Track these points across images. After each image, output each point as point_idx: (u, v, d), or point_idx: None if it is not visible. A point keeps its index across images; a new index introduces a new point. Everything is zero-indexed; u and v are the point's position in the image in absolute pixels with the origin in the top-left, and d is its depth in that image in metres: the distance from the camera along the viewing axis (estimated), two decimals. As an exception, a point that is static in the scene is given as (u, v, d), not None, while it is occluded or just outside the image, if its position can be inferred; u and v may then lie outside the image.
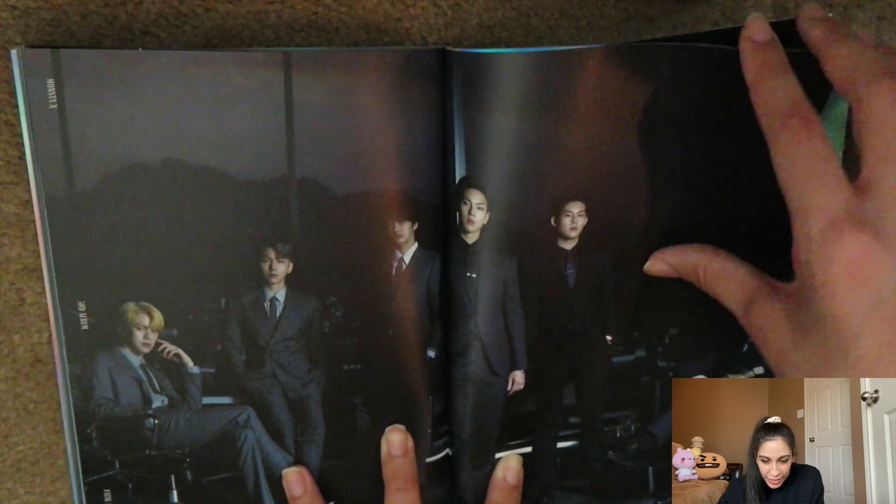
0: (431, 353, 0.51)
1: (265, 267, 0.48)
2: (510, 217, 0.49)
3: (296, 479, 0.51)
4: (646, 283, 0.51)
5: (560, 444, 0.53)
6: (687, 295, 0.50)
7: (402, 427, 0.51)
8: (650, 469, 0.54)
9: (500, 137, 0.47)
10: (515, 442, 0.53)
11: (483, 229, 0.48)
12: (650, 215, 0.50)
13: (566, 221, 0.49)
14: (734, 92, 0.47)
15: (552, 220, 0.49)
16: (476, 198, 0.48)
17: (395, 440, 0.51)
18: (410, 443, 0.51)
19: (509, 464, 0.52)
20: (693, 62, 0.48)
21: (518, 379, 0.51)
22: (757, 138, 0.47)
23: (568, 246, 0.50)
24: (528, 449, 0.53)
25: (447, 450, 0.53)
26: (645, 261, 0.50)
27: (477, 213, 0.48)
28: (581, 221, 0.49)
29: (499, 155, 0.47)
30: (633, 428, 0.54)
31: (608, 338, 0.52)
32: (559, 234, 0.49)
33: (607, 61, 0.47)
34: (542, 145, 0.47)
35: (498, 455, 0.53)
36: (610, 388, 0.53)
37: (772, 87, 0.41)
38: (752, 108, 0.44)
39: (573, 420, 0.53)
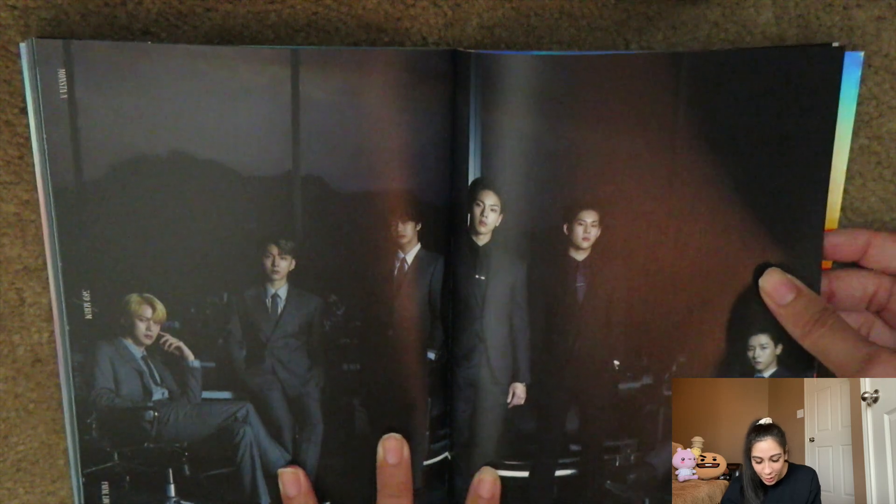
0: (431, 355, 0.50)
1: (268, 263, 0.48)
2: (523, 220, 0.48)
3: (291, 480, 0.51)
4: (658, 306, 0.50)
5: (559, 472, 0.52)
6: (698, 322, 0.50)
7: (398, 436, 0.51)
8: (647, 501, 0.53)
9: (517, 140, 0.47)
10: (513, 462, 0.51)
11: (494, 231, 0.48)
12: (668, 233, 0.49)
13: (579, 230, 0.48)
14: (759, 101, 0.47)
15: (565, 227, 0.48)
16: (490, 199, 0.48)
17: (391, 447, 0.50)
18: (406, 451, 0.51)
19: (483, 475, 0.51)
20: (714, 70, 0.47)
21: (519, 392, 0.50)
22: (782, 152, 0.48)
23: (579, 257, 0.49)
24: (525, 474, 0.52)
25: (445, 453, 0.52)
26: (661, 282, 0.50)
27: (490, 215, 0.48)
28: (594, 232, 0.49)
29: (515, 157, 0.47)
30: (632, 457, 0.52)
31: (616, 362, 0.51)
32: (571, 242, 0.49)
33: (626, 67, 0.47)
34: (559, 150, 0.47)
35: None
36: (613, 416, 0.52)
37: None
38: (779, 120, 0.46)
39: (574, 447, 0.52)
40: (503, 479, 0.51)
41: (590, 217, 0.48)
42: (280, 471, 0.51)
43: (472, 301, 0.49)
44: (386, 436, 0.51)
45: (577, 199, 0.48)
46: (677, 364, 0.51)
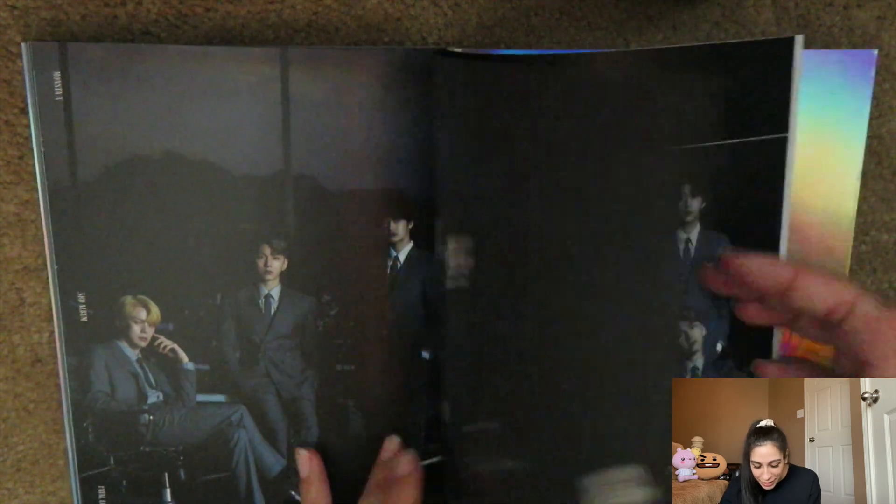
0: (426, 355, 0.50)
1: (260, 263, 0.48)
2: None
3: (302, 461, 0.50)
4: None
5: None
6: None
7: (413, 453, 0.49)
8: None
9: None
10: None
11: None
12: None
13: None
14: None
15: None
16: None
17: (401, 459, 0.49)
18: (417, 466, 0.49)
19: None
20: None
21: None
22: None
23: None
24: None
25: (441, 455, 0.52)
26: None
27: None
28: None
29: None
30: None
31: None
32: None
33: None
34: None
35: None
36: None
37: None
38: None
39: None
40: None
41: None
42: (297, 449, 0.50)
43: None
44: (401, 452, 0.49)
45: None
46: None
